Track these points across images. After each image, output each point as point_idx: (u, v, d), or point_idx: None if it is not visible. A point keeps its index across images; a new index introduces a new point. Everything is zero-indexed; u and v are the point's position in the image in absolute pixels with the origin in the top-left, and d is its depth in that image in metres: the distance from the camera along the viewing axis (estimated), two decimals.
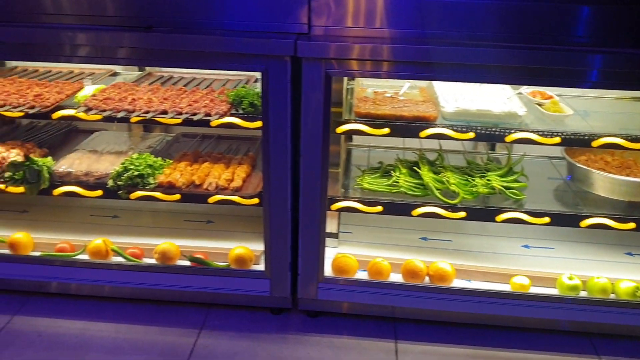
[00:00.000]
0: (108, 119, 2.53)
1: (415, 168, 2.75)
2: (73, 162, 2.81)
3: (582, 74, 2.28)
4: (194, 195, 2.65)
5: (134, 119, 2.52)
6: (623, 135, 2.44)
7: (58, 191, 2.71)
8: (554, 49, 2.24)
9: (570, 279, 2.63)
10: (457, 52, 2.23)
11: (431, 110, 2.54)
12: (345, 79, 2.69)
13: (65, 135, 3.30)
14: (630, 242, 2.98)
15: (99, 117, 2.52)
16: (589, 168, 2.75)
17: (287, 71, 2.32)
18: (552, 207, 2.67)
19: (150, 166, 2.71)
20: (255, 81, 3.00)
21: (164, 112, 2.52)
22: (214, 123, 2.50)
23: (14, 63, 3.22)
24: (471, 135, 2.47)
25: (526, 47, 2.25)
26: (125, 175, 2.63)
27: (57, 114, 2.58)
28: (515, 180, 2.73)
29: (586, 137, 2.46)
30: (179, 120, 2.50)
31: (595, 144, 2.45)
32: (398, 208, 2.63)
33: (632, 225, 2.55)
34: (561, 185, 2.95)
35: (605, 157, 2.90)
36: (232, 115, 2.53)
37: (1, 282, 2.88)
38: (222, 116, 2.50)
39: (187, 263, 2.79)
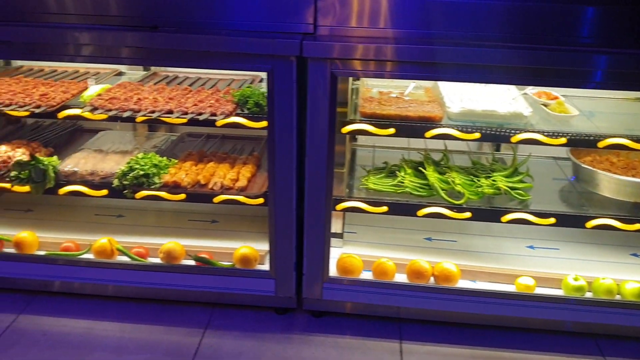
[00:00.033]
0: (114, 119, 2.53)
1: (420, 168, 2.75)
2: (78, 162, 2.81)
3: (587, 74, 2.28)
4: (199, 194, 2.65)
5: (139, 119, 2.53)
6: (629, 136, 2.43)
7: (63, 190, 2.71)
8: (558, 50, 2.24)
9: (575, 279, 2.63)
10: (462, 53, 2.23)
11: (437, 110, 2.54)
12: (350, 79, 2.68)
13: (70, 134, 3.30)
14: (635, 243, 2.97)
15: (104, 116, 2.52)
16: (594, 169, 2.75)
17: (292, 71, 2.32)
18: (557, 207, 2.67)
19: (155, 166, 2.71)
20: (260, 81, 3.00)
21: (170, 112, 2.52)
22: (220, 123, 2.50)
23: (19, 62, 3.23)
24: (477, 135, 2.46)
25: (531, 47, 2.25)
26: (130, 174, 2.63)
27: (63, 114, 2.58)
28: (521, 181, 2.72)
29: (592, 138, 2.45)
30: (185, 120, 2.50)
31: (601, 144, 2.45)
32: (403, 208, 2.63)
33: (637, 226, 2.55)
34: (566, 186, 2.95)
35: (610, 158, 2.90)
36: (237, 115, 2.53)
37: (6, 281, 2.88)
38: (227, 116, 2.50)
39: (192, 263, 2.80)
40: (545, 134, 2.46)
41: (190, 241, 2.89)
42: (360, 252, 2.82)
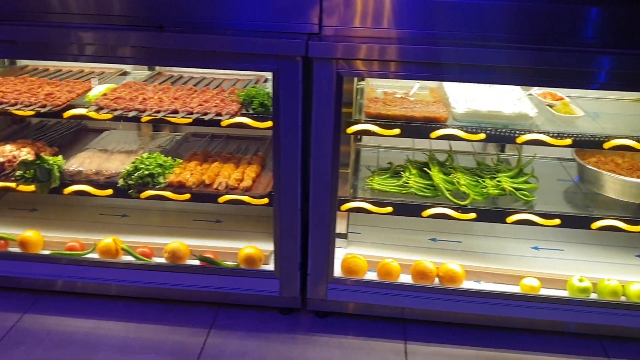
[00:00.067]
0: (119, 119, 2.53)
1: (425, 169, 2.75)
2: (83, 161, 2.81)
3: (592, 75, 2.27)
4: (204, 194, 2.66)
5: (145, 119, 2.53)
6: (634, 137, 2.43)
7: (68, 190, 2.72)
8: (563, 50, 2.23)
9: (580, 281, 2.62)
10: (470, 53, 2.22)
11: (442, 111, 2.54)
12: (355, 79, 2.68)
13: (74, 134, 3.30)
14: None
15: (109, 116, 2.53)
16: (599, 170, 2.75)
17: (298, 71, 2.32)
18: (562, 208, 2.67)
19: (160, 165, 2.71)
20: (265, 81, 3.00)
21: (175, 112, 2.52)
22: (225, 123, 2.50)
23: (23, 62, 3.23)
24: (482, 136, 2.46)
25: (536, 48, 2.25)
26: (135, 174, 2.64)
27: (68, 113, 2.59)
28: (526, 182, 2.72)
29: (597, 139, 2.45)
30: (190, 120, 2.50)
31: (606, 145, 2.44)
32: (408, 209, 2.63)
33: None
34: (571, 187, 2.94)
35: (615, 159, 2.89)
36: (242, 115, 2.53)
37: (11, 280, 2.88)
38: (232, 116, 2.50)
39: (196, 262, 2.80)
40: (551, 134, 2.46)
41: (195, 241, 2.89)
42: (364, 252, 2.82)
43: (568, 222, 2.58)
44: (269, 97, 2.52)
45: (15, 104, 2.58)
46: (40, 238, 2.87)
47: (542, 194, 2.73)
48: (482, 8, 2.28)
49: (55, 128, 3.29)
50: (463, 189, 2.62)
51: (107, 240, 2.81)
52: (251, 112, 2.55)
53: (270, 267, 2.77)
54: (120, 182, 2.67)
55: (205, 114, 2.50)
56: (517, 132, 2.46)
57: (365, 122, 2.50)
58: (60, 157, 2.77)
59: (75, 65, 3.15)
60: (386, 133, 2.49)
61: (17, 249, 2.87)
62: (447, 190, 2.62)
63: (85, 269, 2.78)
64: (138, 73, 3.14)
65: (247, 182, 2.68)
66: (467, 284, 2.71)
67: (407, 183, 2.69)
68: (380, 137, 2.52)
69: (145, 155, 2.77)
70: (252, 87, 2.65)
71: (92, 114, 2.53)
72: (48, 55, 2.47)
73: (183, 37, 2.32)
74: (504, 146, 3.30)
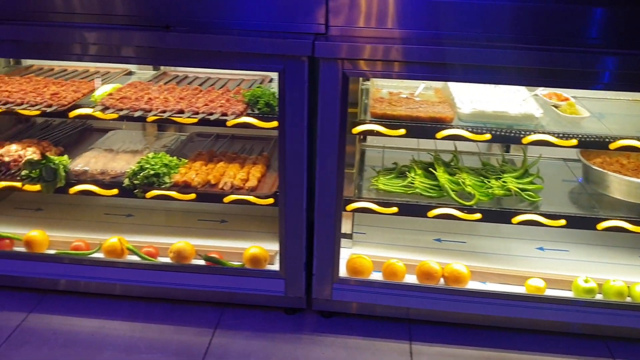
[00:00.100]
0: (124, 118, 2.54)
1: (430, 169, 2.75)
2: (89, 161, 2.82)
3: (597, 75, 2.27)
4: (209, 194, 2.66)
5: (150, 118, 2.53)
6: None
7: (74, 190, 2.72)
8: (568, 51, 2.23)
9: (586, 281, 2.62)
10: (477, 54, 2.22)
11: (447, 111, 2.54)
12: (360, 79, 2.68)
13: (79, 133, 3.31)
14: None
15: (115, 116, 2.53)
16: (605, 170, 2.74)
17: (304, 71, 2.32)
18: (567, 209, 2.67)
19: (166, 165, 2.71)
20: (270, 81, 3.00)
21: (181, 112, 2.53)
22: (231, 123, 2.50)
23: (29, 62, 3.24)
24: (488, 136, 2.46)
25: (541, 48, 2.25)
26: (141, 174, 2.64)
27: (74, 113, 2.59)
28: (531, 182, 2.72)
29: (603, 140, 2.45)
30: (196, 120, 2.51)
31: (612, 146, 2.44)
32: (414, 209, 2.63)
33: None
34: (576, 188, 2.94)
35: (620, 160, 2.89)
36: (248, 115, 2.54)
37: (17, 279, 2.89)
38: (238, 116, 2.50)
39: (202, 262, 2.80)
40: (557, 135, 2.45)
41: (200, 241, 2.89)
42: (369, 252, 2.82)
43: (574, 222, 2.58)
44: (275, 97, 2.52)
45: (22, 104, 2.58)
46: (46, 238, 2.88)
47: (547, 195, 2.73)
48: (486, 8, 2.28)
49: (60, 128, 3.29)
50: (469, 189, 2.62)
51: (112, 239, 2.81)
52: (257, 112, 2.55)
53: (276, 267, 2.77)
54: (126, 181, 2.67)
55: (211, 113, 2.50)
56: (523, 132, 2.46)
57: (371, 122, 2.51)
58: (65, 157, 2.77)
59: (80, 65, 3.15)
60: (392, 133, 2.49)
61: (22, 249, 2.88)
62: (453, 190, 2.62)
63: (90, 269, 2.79)
64: (143, 73, 3.14)
65: (252, 182, 2.68)
66: (473, 285, 2.71)
67: (413, 183, 2.69)
68: (384, 137, 2.52)
69: (150, 155, 2.77)
70: (258, 87, 2.65)
71: (98, 114, 2.54)
72: (56, 55, 2.47)
73: (189, 37, 2.32)
74: (509, 146, 3.30)
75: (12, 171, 2.75)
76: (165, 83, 2.89)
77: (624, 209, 2.66)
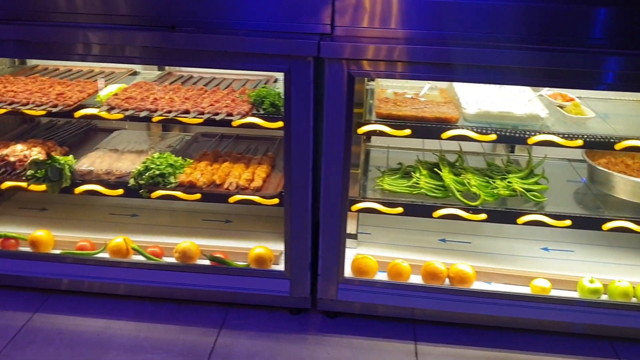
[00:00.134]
0: (130, 118, 2.54)
1: (435, 169, 2.75)
2: (94, 161, 2.82)
3: (602, 76, 2.27)
4: (214, 194, 2.66)
5: (156, 119, 2.53)
6: None
7: (79, 190, 2.72)
8: (574, 51, 2.23)
9: (591, 282, 2.62)
10: (482, 54, 2.22)
11: (453, 111, 2.53)
12: (365, 79, 2.68)
13: (84, 133, 3.31)
14: None
15: (121, 116, 2.53)
16: (610, 171, 2.74)
17: (309, 72, 2.32)
18: (572, 209, 2.66)
19: (171, 165, 2.72)
20: (275, 81, 3.01)
21: (186, 112, 2.53)
22: (236, 123, 2.50)
23: (33, 62, 3.24)
24: (493, 137, 2.46)
25: (545, 48, 2.25)
26: (146, 174, 2.64)
27: (80, 113, 2.60)
28: (537, 183, 2.72)
29: (609, 140, 2.45)
30: (201, 120, 2.51)
31: (618, 146, 2.44)
32: (419, 209, 2.63)
33: None
34: (581, 188, 2.94)
35: (625, 160, 2.88)
36: (253, 115, 2.54)
37: (22, 279, 2.89)
38: (243, 116, 2.50)
39: (207, 262, 2.80)
40: (562, 135, 2.45)
41: (205, 241, 2.90)
42: (374, 253, 2.82)
43: (579, 223, 2.57)
44: (280, 98, 2.52)
45: (27, 104, 2.59)
46: (51, 237, 2.88)
47: (552, 195, 2.72)
48: (491, 9, 2.28)
49: (65, 128, 3.30)
50: (474, 189, 2.61)
51: (117, 239, 2.82)
52: (262, 112, 2.55)
53: (281, 267, 2.77)
54: (131, 181, 2.67)
55: (217, 114, 2.50)
56: (528, 133, 2.46)
57: (376, 122, 2.51)
58: (71, 157, 2.77)
59: (85, 65, 3.15)
60: (397, 133, 2.49)
61: (27, 249, 2.88)
62: (458, 191, 2.62)
63: (95, 269, 2.79)
64: (148, 73, 3.15)
65: (257, 182, 2.68)
66: (478, 285, 2.71)
67: (418, 184, 2.69)
68: (389, 138, 2.52)
69: (156, 155, 2.77)
70: (263, 88, 2.65)
71: (104, 114, 2.54)
72: (61, 55, 2.47)
73: (195, 37, 2.33)
74: (514, 147, 3.29)
75: (18, 171, 2.76)
76: (171, 83, 2.89)
77: (629, 210, 2.65)
